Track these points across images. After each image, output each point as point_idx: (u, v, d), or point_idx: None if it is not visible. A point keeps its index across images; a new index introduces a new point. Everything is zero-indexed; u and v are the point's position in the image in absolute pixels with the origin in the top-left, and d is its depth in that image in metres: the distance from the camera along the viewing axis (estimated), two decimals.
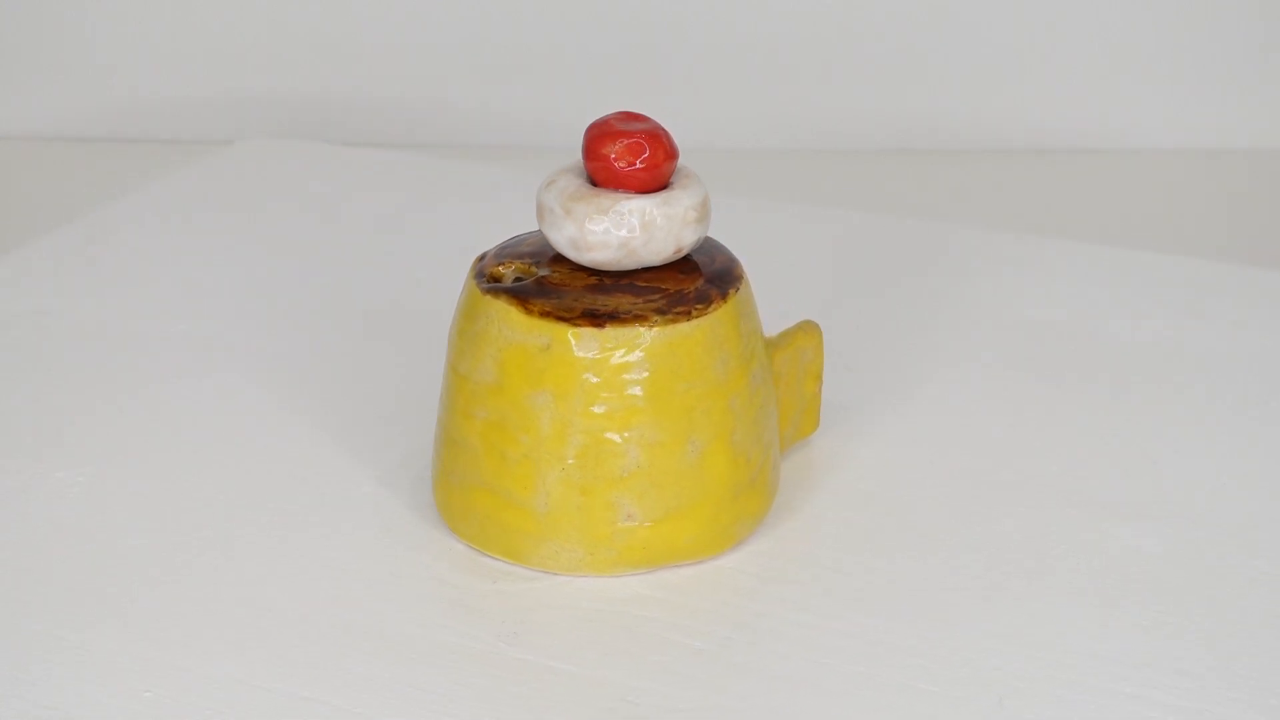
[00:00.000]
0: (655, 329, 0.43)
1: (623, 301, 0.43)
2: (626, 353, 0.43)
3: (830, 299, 0.61)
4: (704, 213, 0.45)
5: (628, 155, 0.44)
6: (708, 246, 0.46)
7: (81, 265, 0.62)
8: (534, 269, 0.45)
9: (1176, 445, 0.51)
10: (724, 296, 0.44)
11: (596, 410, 0.43)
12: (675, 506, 0.44)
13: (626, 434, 0.43)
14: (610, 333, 0.43)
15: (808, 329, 0.49)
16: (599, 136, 0.44)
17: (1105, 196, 0.90)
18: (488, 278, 0.45)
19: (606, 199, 0.44)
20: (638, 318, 0.43)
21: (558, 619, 0.43)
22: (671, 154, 0.44)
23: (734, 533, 0.45)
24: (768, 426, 0.46)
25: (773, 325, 0.50)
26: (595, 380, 0.43)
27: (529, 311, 0.43)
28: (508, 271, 0.45)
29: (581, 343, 0.43)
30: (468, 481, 0.45)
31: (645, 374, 0.43)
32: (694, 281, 0.44)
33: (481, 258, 0.46)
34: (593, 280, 0.44)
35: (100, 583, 0.43)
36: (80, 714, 0.39)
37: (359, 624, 0.42)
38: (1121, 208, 0.88)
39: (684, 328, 0.43)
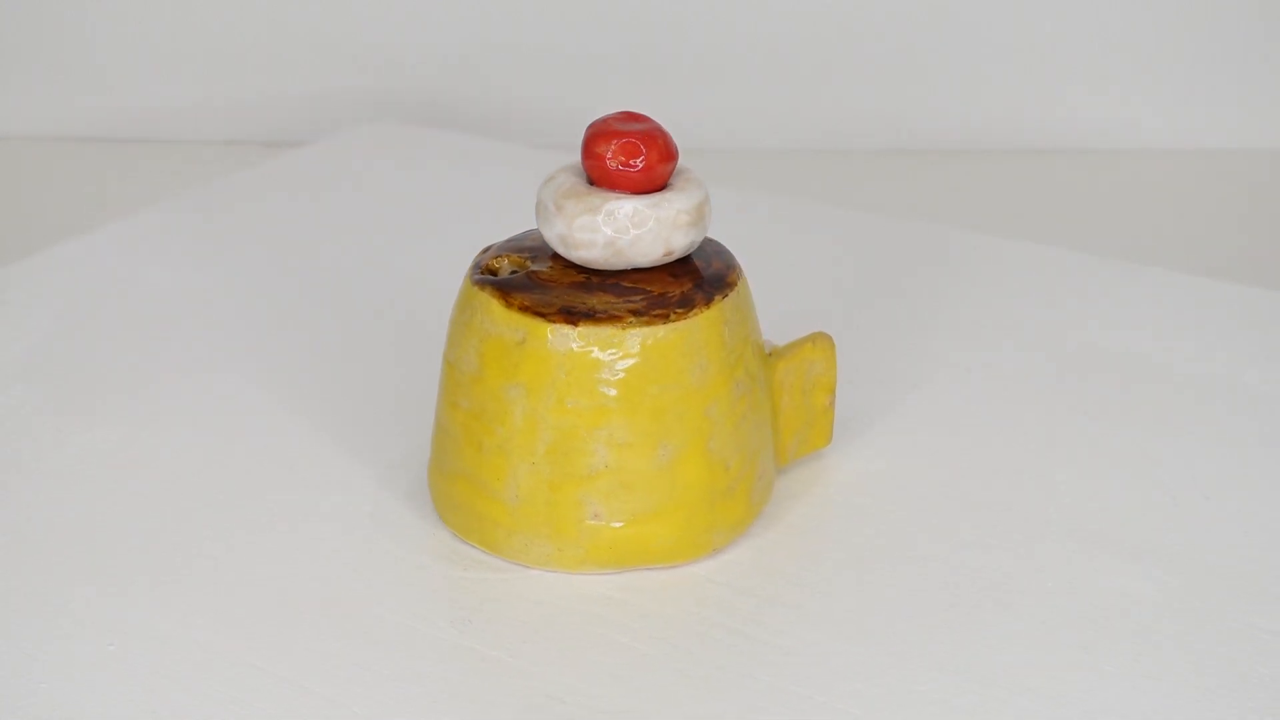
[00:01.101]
0: (629, 330, 0.43)
1: (603, 301, 0.43)
2: (599, 351, 0.43)
3: (831, 300, 0.60)
4: (698, 217, 0.44)
5: (621, 155, 0.44)
6: (709, 250, 0.46)
7: (85, 267, 0.63)
8: (528, 264, 0.45)
9: (1200, 480, 0.49)
10: (708, 302, 0.44)
11: (567, 406, 0.43)
12: (644, 509, 0.44)
13: (596, 432, 0.43)
14: (584, 330, 0.43)
15: (818, 341, 0.48)
16: (596, 135, 0.44)
17: (1105, 197, 0.88)
18: (482, 270, 0.45)
19: (597, 198, 0.44)
20: (613, 318, 0.43)
21: (513, 611, 0.43)
22: (667, 156, 0.44)
23: (708, 540, 0.45)
24: (754, 436, 0.46)
25: (771, 326, 0.50)
26: (566, 377, 0.43)
27: (509, 305, 0.44)
28: (504, 265, 0.45)
29: (555, 338, 0.43)
30: (451, 470, 0.45)
31: (617, 374, 0.43)
32: (682, 285, 0.44)
33: (485, 250, 0.47)
34: (581, 278, 0.44)
35: (99, 577, 0.44)
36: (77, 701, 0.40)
37: (330, 602, 0.43)
38: (1121, 208, 0.87)
39: (659, 330, 0.43)
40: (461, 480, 0.45)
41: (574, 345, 0.43)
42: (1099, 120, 0.93)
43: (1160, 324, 0.59)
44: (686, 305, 0.43)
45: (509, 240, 0.47)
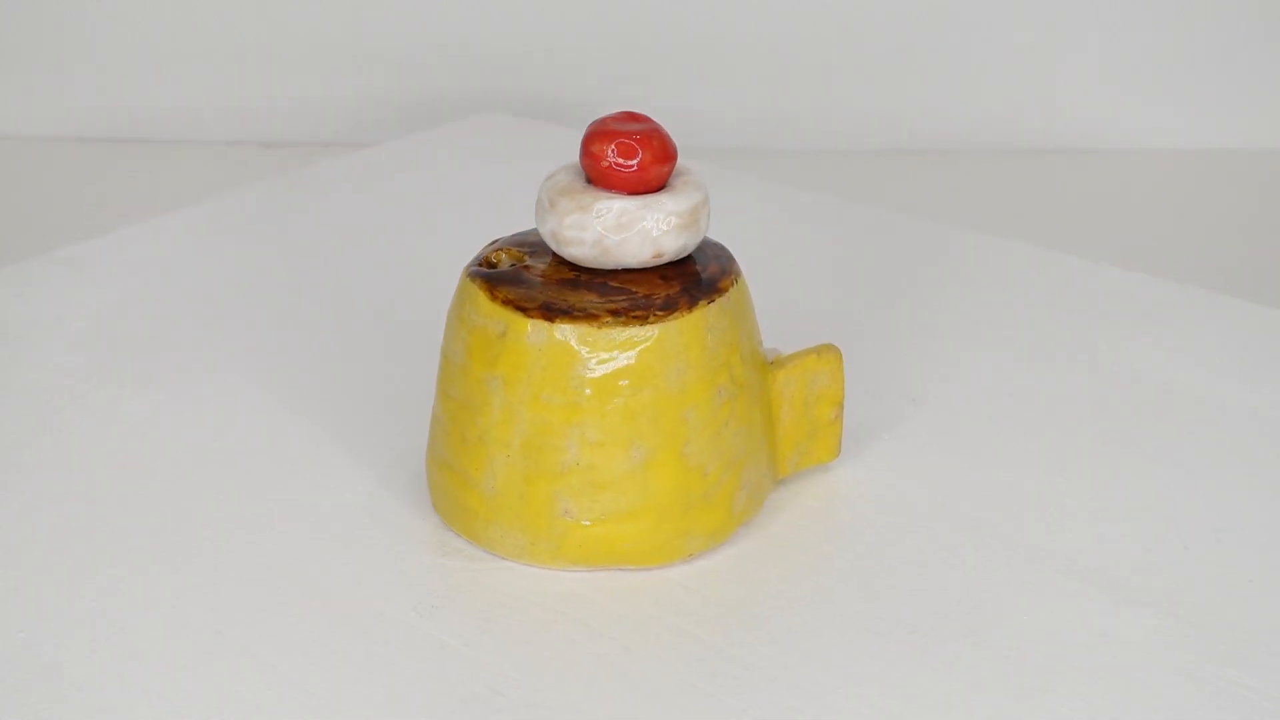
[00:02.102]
0: (604, 329, 0.43)
1: (585, 299, 0.43)
2: (574, 349, 0.43)
3: (840, 304, 0.59)
4: (691, 220, 0.44)
5: (613, 155, 0.44)
6: (710, 253, 0.46)
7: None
8: (525, 258, 0.46)
9: (1217, 521, 0.47)
10: (692, 306, 0.44)
11: (542, 401, 0.43)
12: (615, 509, 0.44)
13: (569, 429, 0.43)
14: (560, 327, 0.43)
15: (824, 353, 0.48)
16: (593, 135, 0.44)
17: (1106, 197, 0.87)
18: (481, 262, 0.46)
19: (589, 197, 0.44)
20: (591, 317, 0.43)
21: (478, 601, 0.44)
22: (663, 158, 0.44)
23: (682, 546, 0.45)
24: (738, 445, 0.45)
25: (777, 330, 0.49)
26: (542, 372, 0.43)
27: (494, 298, 0.44)
28: (503, 259, 0.46)
29: (533, 333, 0.43)
30: (440, 458, 0.46)
31: (590, 373, 0.43)
32: (670, 288, 0.44)
33: (492, 244, 0.47)
34: (572, 276, 0.44)
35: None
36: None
37: (309, 584, 0.44)
38: (1122, 209, 0.86)
39: (635, 332, 0.43)
40: (448, 469, 0.46)
41: (550, 341, 0.43)
42: (1099, 120, 0.92)
43: (1183, 343, 0.58)
44: (669, 308, 0.43)
45: (515, 235, 0.47)
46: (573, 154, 0.74)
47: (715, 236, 0.55)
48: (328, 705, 0.40)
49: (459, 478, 0.45)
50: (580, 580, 0.44)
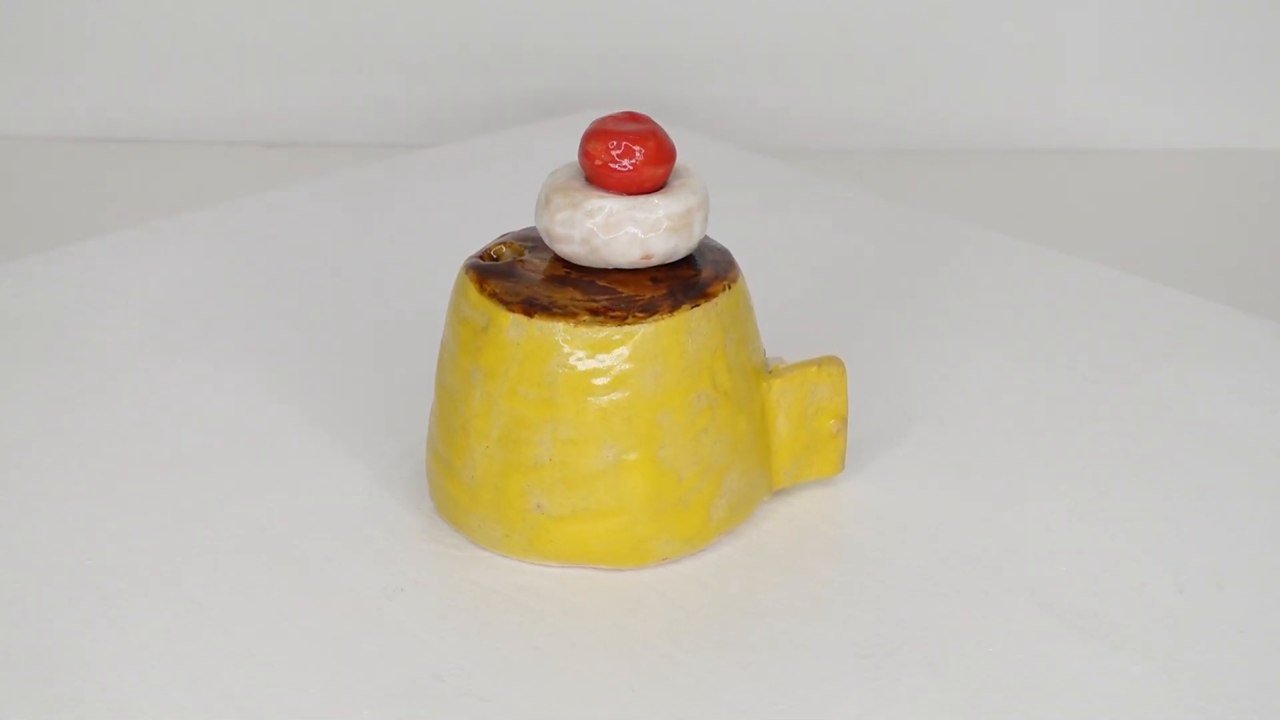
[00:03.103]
0: (581, 328, 0.43)
1: (568, 296, 0.44)
2: (550, 345, 0.43)
3: (847, 310, 0.59)
4: (684, 223, 0.44)
5: (607, 155, 0.44)
6: (710, 257, 0.46)
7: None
8: (525, 253, 0.46)
9: (1220, 566, 0.45)
10: (674, 310, 0.44)
11: (519, 395, 0.44)
12: (586, 507, 0.44)
13: (543, 424, 0.44)
14: (537, 323, 0.43)
15: (825, 365, 0.47)
16: (591, 134, 0.45)
17: (1106, 197, 0.86)
18: (483, 254, 0.46)
19: (581, 195, 0.44)
20: (569, 314, 0.43)
21: (445, 587, 0.44)
22: (658, 159, 0.44)
23: (654, 549, 0.45)
24: (720, 452, 0.45)
25: (775, 330, 0.49)
26: (519, 366, 0.44)
27: (482, 290, 0.45)
28: (505, 252, 0.46)
29: (512, 327, 0.44)
30: (433, 446, 0.47)
31: (565, 370, 0.43)
32: (656, 290, 0.44)
33: (502, 238, 0.47)
34: (562, 273, 0.45)
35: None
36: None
37: (291, 557, 0.45)
38: (1122, 209, 0.84)
39: (612, 332, 0.43)
40: (438, 457, 0.46)
41: (528, 336, 0.43)
42: (1099, 120, 0.91)
43: (1196, 359, 0.56)
44: (649, 311, 0.43)
45: (524, 229, 0.48)
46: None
47: (723, 236, 0.54)
48: (272, 674, 0.41)
49: (446, 466, 0.46)
50: (550, 575, 0.45)
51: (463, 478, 0.45)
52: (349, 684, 0.40)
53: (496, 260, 0.46)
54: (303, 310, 0.60)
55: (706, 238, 0.47)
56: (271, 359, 0.56)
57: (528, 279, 0.45)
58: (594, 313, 0.43)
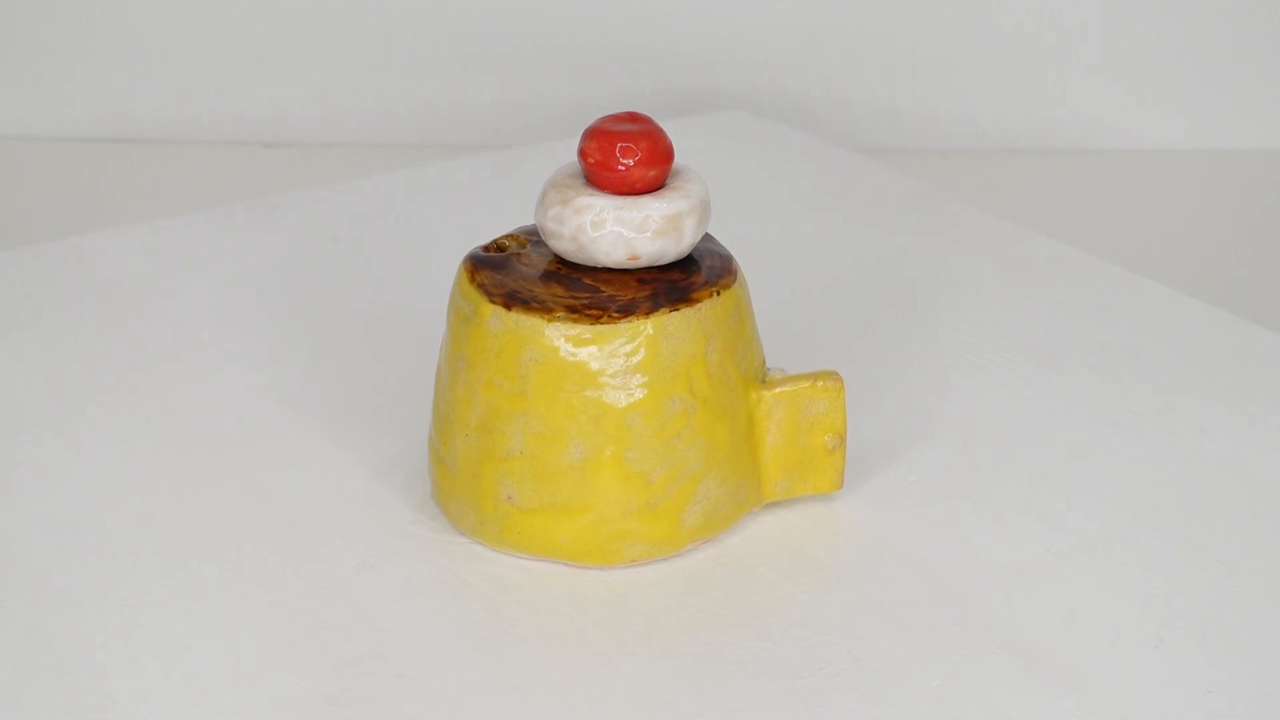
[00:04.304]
0: (553, 324, 0.43)
1: (551, 291, 0.44)
2: (524, 338, 0.43)
3: (851, 317, 0.58)
4: (672, 227, 0.44)
5: (598, 154, 0.44)
6: (708, 262, 0.46)
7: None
8: (527, 245, 0.46)
9: (1201, 619, 0.42)
10: (650, 313, 0.43)
11: (495, 386, 0.44)
12: (553, 502, 0.44)
13: (515, 417, 0.44)
14: (514, 316, 0.44)
15: (822, 379, 0.46)
16: (587, 133, 0.45)
17: (1106, 196, 0.85)
18: (488, 245, 0.47)
19: (573, 192, 0.44)
20: (546, 310, 0.43)
21: (414, 569, 0.45)
22: (652, 161, 0.44)
23: (620, 550, 0.45)
24: (694, 459, 0.44)
25: (780, 329, 0.49)
26: (496, 358, 0.44)
27: (472, 281, 0.45)
28: (510, 244, 0.47)
29: (492, 319, 0.44)
30: (429, 431, 0.48)
31: (536, 364, 0.43)
32: (640, 291, 0.44)
33: (519, 228, 0.48)
34: (554, 268, 0.45)
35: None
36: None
37: (278, 528, 0.47)
38: (1122, 208, 0.84)
39: (584, 330, 0.43)
40: (430, 443, 0.47)
41: (504, 329, 0.44)
42: (1099, 120, 0.88)
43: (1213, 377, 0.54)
44: (626, 311, 0.43)
45: (534, 223, 0.48)
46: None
47: (728, 236, 0.54)
48: (220, 629, 0.42)
49: (436, 453, 0.47)
50: (520, 567, 0.45)
51: (447, 464, 0.46)
52: (291, 651, 0.41)
53: (499, 251, 0.46)
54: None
55: (714, 241, 0.47)
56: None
57: (520, 273, 0.45)
58: (570, 309, 0.43)
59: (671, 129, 0.71)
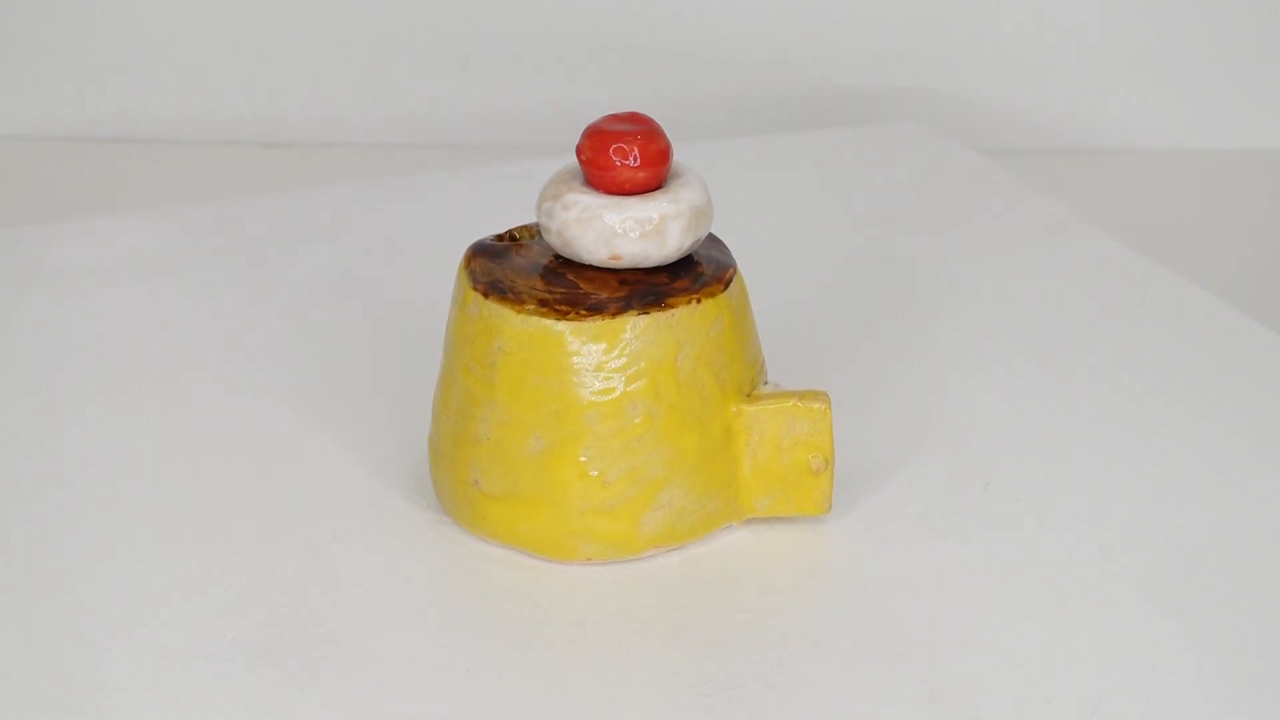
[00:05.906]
0: (521, 315, 0.44)
1: (530, 284, 0.44)
2: (495, 328, 0.44)
3: (853, 324, 0.57)
4: (656, 230, 0.44)
5: (591, 152, 0.44)
6: (703, 268, 0.45)
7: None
8: (535, 237, 0.47)
9: (1135, 689, 0.39)
10: (617, 314, 0.43)
11: (470, 371, 0.45)
12: (514, 491, 0.45)
13: (484, 404, 0.45)
14: (489, 305, 0.44)
15: (807, 399, 0.45)
16: (585, 132, 0.45)
17: (1105, 197, 0.85)
18: (503, 234, 0.48)
19: (565, 188, 0.45)
20: (519, 302, 0.44)
21: (388, 544, 0.46)
22: (647, 162, 0.44)
23: (577, 547, 0.45)
24: (655, 465, 0.44)
25: (783, 331, 0.49)
26: (471, 344, 0.45)
27: (467, 267, 0.46)
28: (523, 235, 0.47)
29: (472, 305, 0.45)
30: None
31: (504, 354, 0.44)
32: (616, 292, 0.44)
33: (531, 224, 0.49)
34: (547, 261, 0.46)
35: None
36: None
37: (269, 496, 0.48)
38: (1121, 208, 0.83)
39: (550, 324, 0.43)
40: (432, 419, 0.48)
41: (480, 316, 0.44)
42: (1099, 120, 0.91)
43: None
44: (594, 311, 0.43)
45: None
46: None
47: (735, 237, 0.52)
48: (183, 578, 0.44)
49: (431, 431, 0.47)
50: (486, 553, 0.45)
51: (434, 444, 0.47)
52: (236, 607, 0.43)
53: (512, 241, 0.47)
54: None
55: (721, 249, 0.47)
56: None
57: (513, 264, 0.46)
58: (541, 303, 0.44)
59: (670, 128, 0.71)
